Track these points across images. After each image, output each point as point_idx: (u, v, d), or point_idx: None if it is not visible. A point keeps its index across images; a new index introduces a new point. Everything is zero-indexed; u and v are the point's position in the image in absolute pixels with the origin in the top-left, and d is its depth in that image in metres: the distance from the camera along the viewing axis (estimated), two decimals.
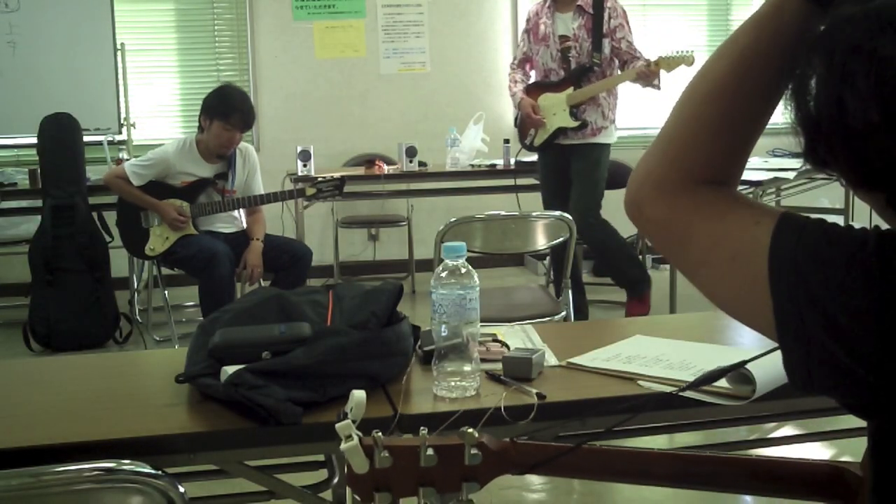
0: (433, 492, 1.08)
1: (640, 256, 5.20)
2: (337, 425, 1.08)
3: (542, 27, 4.48)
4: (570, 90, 4.42)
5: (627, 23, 4.43)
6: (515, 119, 4.74)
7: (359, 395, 1.16)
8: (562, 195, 4.51)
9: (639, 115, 5.91)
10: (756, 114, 0.86)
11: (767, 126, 0.88)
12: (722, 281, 0.83)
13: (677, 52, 4.30)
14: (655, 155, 0.90)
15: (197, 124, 4.35)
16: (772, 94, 0.85)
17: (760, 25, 0.84)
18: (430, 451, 1.07)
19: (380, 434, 1.07)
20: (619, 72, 4.44)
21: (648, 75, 4.26)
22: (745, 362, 1.11)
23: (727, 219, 0.83)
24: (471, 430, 1.08)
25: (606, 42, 4.39)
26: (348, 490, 1.79)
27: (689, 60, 4.27)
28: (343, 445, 1.07)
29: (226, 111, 4.18)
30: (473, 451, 1.07)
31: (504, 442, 1.11)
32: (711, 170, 0.87)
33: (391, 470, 1.07)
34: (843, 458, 1.12)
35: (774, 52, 0.83)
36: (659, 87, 4.31)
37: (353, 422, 1.10)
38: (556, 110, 4.45)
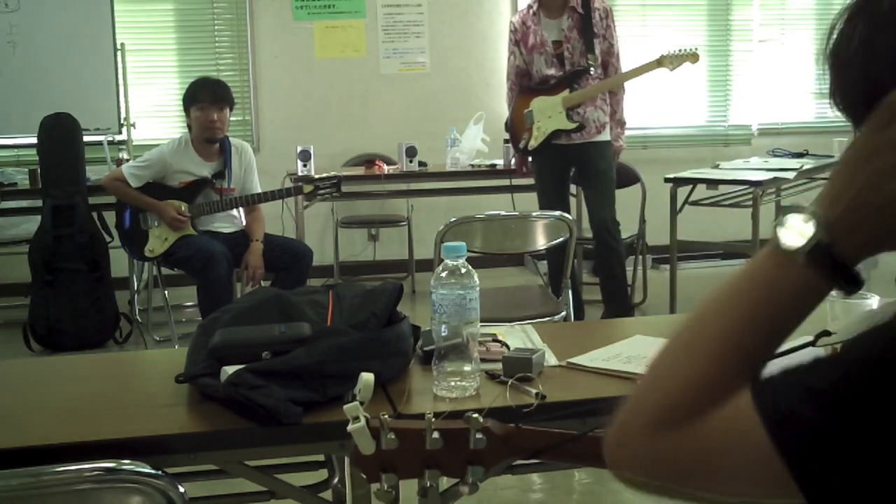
0: (438, 474, 1.11)
1: (641, 256, 5.19)
2: (345, 406, 1.10)
3: (531, 36, 4.45)
4: (566, 92, 4.40)
5: (613, 23, 4.44)
6: (506, 124, 4.72)
7: (367, 377, 1.19)
8: (558, 197, 4.51)
9: (640, 116, 5.91)
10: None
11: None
12: (727, 483, 0.73)
13: (679, 51, 4.33)
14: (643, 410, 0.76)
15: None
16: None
17: (753, 287, 0.73)
18: (435, 435, 1.09)
19: (386, 416, 1.10)
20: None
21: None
22: None
23: (712, 430, 0.72)
24: (476, 414, 1.09)
25: (597, 43, 4.38)
26: (348, 488, 1.80)
27: (693, 58, 4.31)
28: (350, 426, 1.09)
29: (193, 95, 4.31)
30: (478, 435, 1.09)
31: (509, 427, 1.12)
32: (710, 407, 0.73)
33: (397, 452, 1.09)
34: None
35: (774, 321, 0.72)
36: None
37: (361, 403, 1.12)
38: (550, 113, 4.42)
